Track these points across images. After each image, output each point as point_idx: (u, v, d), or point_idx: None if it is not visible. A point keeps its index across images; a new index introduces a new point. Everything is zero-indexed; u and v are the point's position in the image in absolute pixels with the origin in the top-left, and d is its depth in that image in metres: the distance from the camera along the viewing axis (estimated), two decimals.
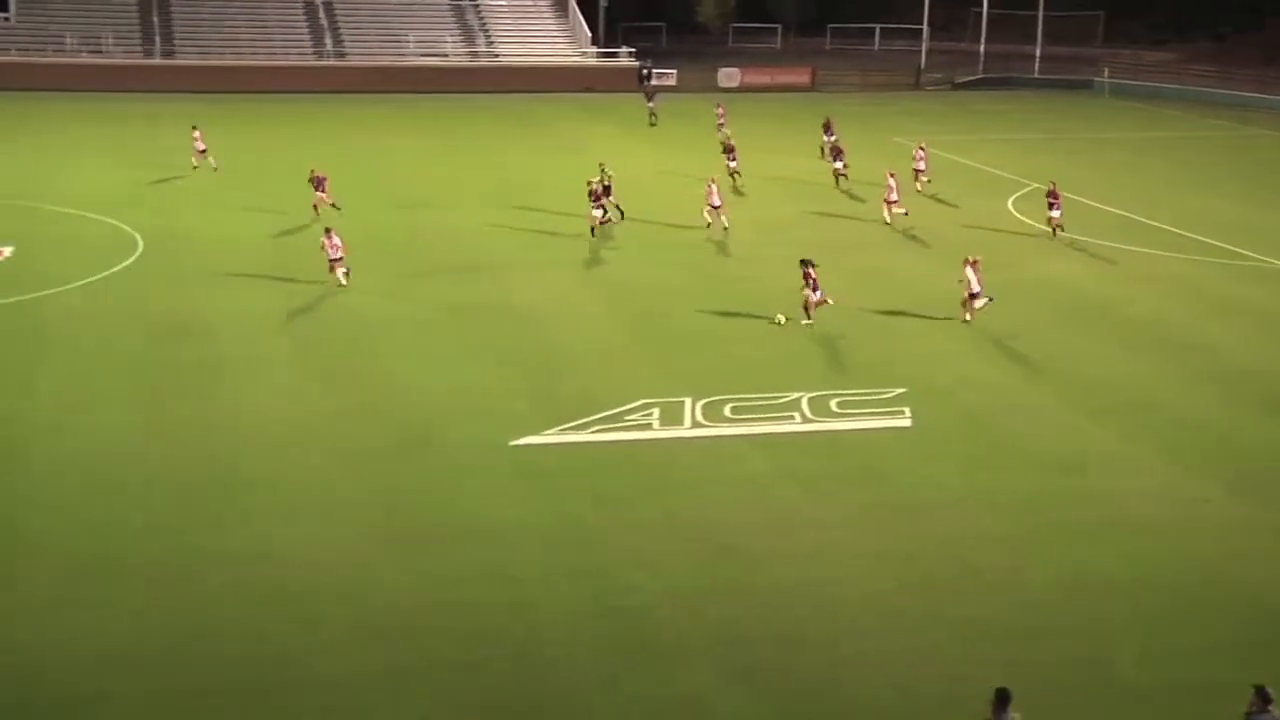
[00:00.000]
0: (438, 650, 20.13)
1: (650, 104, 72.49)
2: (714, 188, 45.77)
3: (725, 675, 19.59)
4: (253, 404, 29.59)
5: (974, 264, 36.01)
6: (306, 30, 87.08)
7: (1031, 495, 25.76)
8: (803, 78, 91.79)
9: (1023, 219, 49.63)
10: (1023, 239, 46.37)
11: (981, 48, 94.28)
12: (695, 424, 28.89)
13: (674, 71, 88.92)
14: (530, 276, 40.08)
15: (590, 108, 77.57)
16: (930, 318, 36.64)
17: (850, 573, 22.64)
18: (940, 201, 51.80)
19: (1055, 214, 45.58)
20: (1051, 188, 46.49)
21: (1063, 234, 45.74)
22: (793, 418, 29.31)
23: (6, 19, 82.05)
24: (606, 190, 45.63)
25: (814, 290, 34.91)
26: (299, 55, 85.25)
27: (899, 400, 30.22)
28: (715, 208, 45.29)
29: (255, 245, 43.24)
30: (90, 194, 49.67)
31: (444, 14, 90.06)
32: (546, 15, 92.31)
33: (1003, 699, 16.06)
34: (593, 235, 44.46)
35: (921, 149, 53.77)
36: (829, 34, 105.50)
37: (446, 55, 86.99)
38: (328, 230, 38.99)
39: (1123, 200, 53.64)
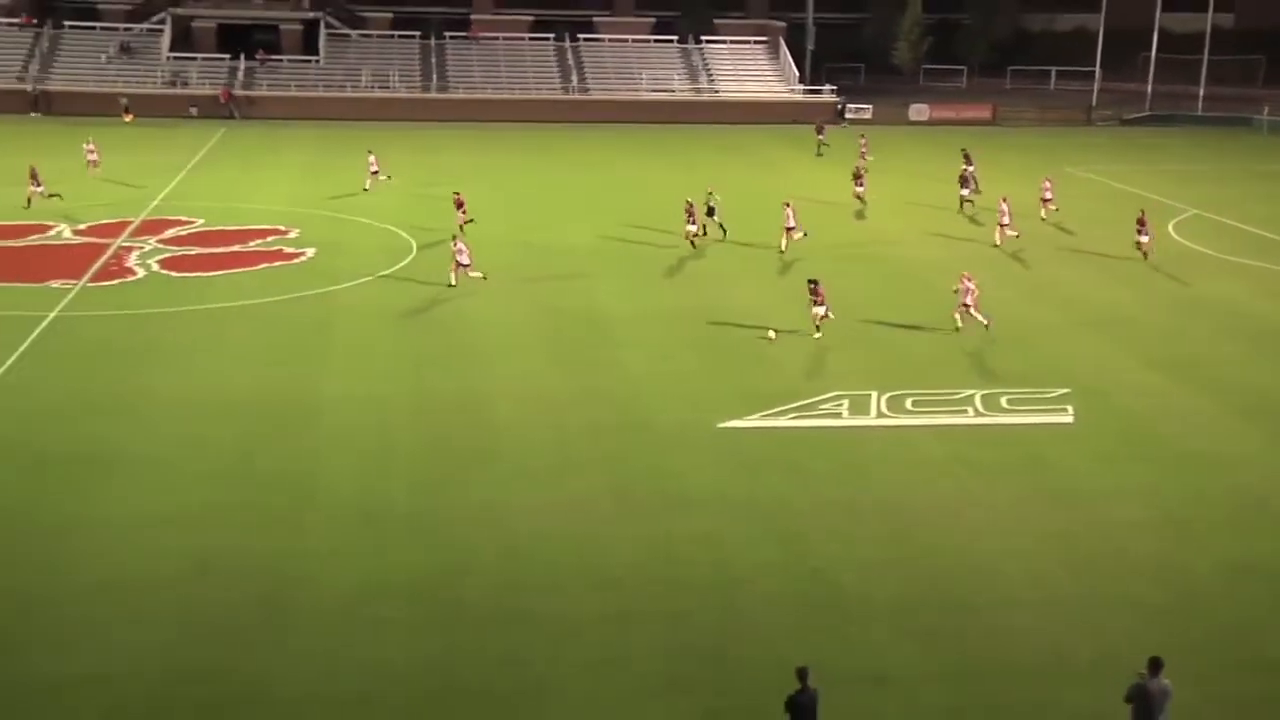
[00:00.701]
0: (651, 600, 20.29)
1: (820, 136, 71.15)
2: (790, 212, 43.81)
3: (900, 633, 19.35)
4: (503, 384, 30.15)
5: (968, 278, 34.47)
6: (556, 69, 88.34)
7: (1185, 489, 24.79)
8: (984, 113, 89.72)
9: (1182, 241, 47.69)
10: (1181, 259, 44.52)
11: (1149, 88, 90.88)
12: (880, 414, 28.50)
13: (870, 106, 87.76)
14: (737, 283, 39.97)
15: (792, 138, 76.92)
16: (1095, 326, 35.56)
17: (1014, 550, 22.12)
18: (1102, 224, 50.06)
19: (1144, 239, 43.21)
20: (1141, 215, 44.13)
21: (1153, 257, 43.36)
22: (966, 411, 28.72)
23: (317, 61, 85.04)
24: (710, 211, 45.14)
25: (820, 305, 33.42)
26: (549, 90, 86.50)
27: (1063, 399, 29.37)
28: (789, 229, 43.49)
29: (511, 249, 43.98)
30: (376, 206, 51.16)
31: (673, 56, 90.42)
32: (761, 57, 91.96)
33: (1155, 665, 15.53)
34: (692, 247, 44.00)
35: (1048, 181, 51.53)
36: (1009, 75, 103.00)
37: (673, 90, 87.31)
38: (454, 238, 39.35)
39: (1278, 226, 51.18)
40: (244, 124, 76.97)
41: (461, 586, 20.59)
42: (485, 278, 38.30)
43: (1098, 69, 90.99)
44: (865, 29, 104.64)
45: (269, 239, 45.06)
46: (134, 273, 39.98)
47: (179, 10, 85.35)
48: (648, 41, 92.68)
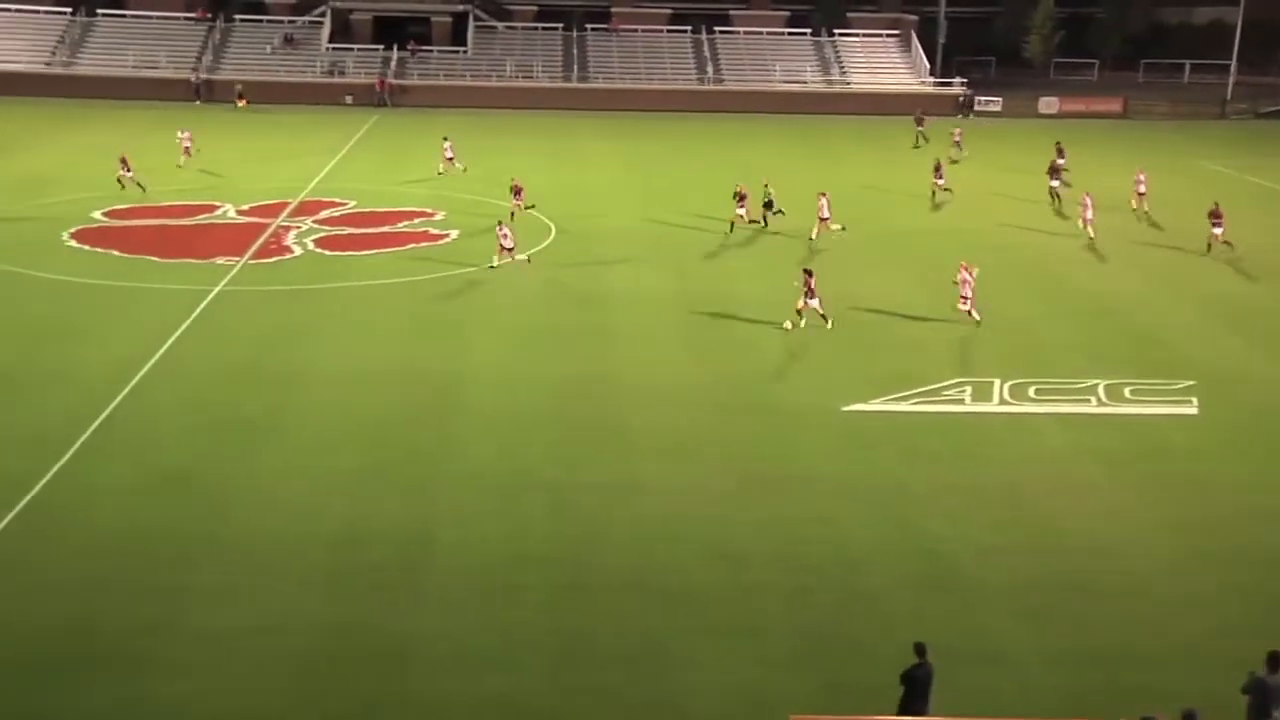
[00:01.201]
0: (774, 576, 20.33)
1: (920, 128, 69.61)
2: (824, 201, 42.69)
3: (1017, 615, 19.15)
4: (636, 365, 30.34)
5: (969, 269, 33.31)
6: (692, 61, 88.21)
7: None
8: (1115, 106, 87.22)
9: None
10: None
11: None
12: (1002, 401, 28.09)
13: (999, 99, 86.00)
14: (871, 269, 39.62)
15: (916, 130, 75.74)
16: (1221, 318, 34.55)
17: (1135, 537, 21.70)
18: (1233, 220, 48.46)
19: (1218, 231, 41.86)
20: (1214, 207, 42.50)
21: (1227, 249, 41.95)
22: (1089, 401, 28.15)
23: (464, 52, 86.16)
24: (768, 204, 44.56)
25: (811, 297, 32.48)
26: (685, 81, 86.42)
27: (1188, 391, 28.62)
28: (823, 219, 42.48)
29: (644, 234, 44.18)
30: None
31: (806, 48, 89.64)
32: (893, 49, 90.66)
33: (1275, 660, 15.06)
34: (729, 232, 43.73)
35: (1142, 174, 49.63)
36: (1142, 68, 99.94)
37: (805, 82, 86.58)
38: (500, 223, 39.25)
39: None
40: (395, 111, 78.34)
41: (593, 557, 20.88)
42: (529, 260, 38.82)
43: (1234, 62, 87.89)
44: (996, 22, 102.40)
45: (415, 220, 45.89)
46: (291, 251, 41.06)
47: (339, 4, 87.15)
48: (782, 34, 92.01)
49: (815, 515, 22.39)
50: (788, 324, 32.70)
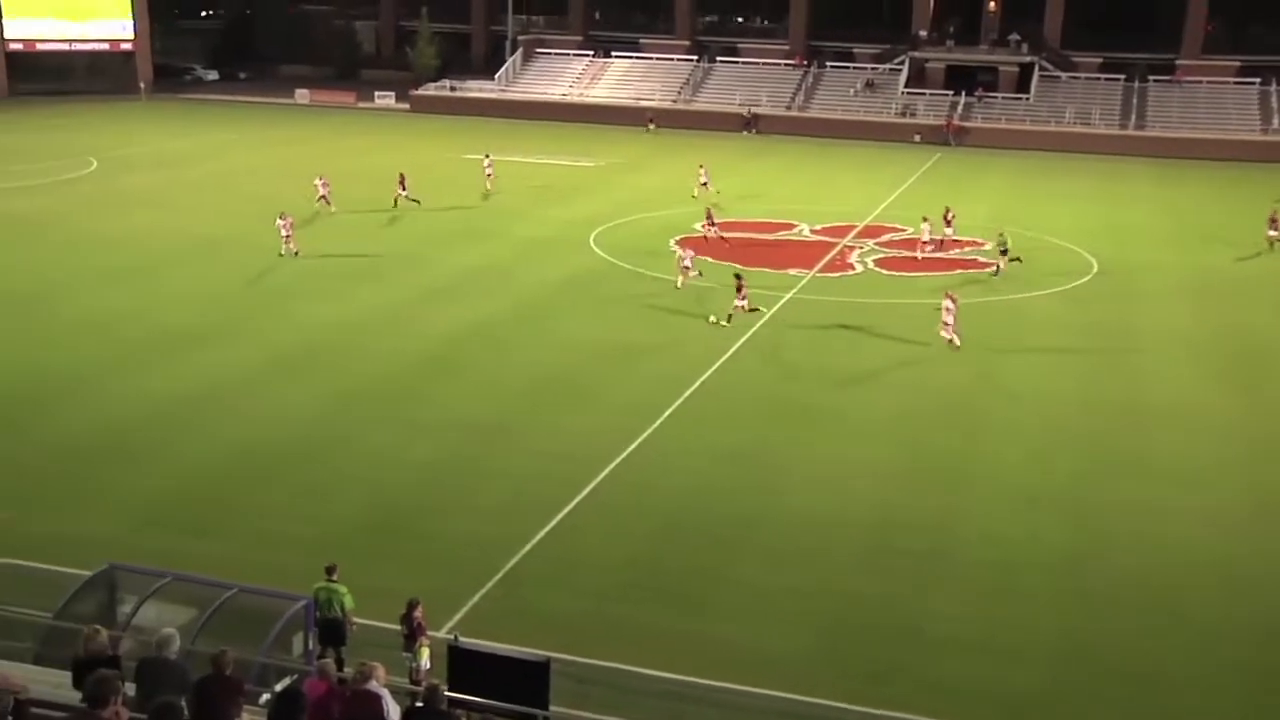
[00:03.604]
0: None
1: None
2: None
3: None
4: (1166, 394, 28.33)
5: (952, 297, 31.64)
6: (1257, 111, 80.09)
7: None
8: None
9: None
10: None
11: None
12: None
13: None
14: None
15: None
16: None
17: None
18: None
19: (1273, 233, 38.08)
20: (1273, 213, 37.17)
21: None
22: None
23: (1027, 99, 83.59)
24: (1003, 250, 40.05)
25: (741, 299, 32.77)
26: (1246, 131, 78.56)
27: None
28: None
29: (1181, 274, 40.89)
30: (1066, 227, 49.48)
31: None
32: None
33: None
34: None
35: None
36: None
37: None
38: (680, 243, 38.00)
39: None
40: (957, 150, 77.38)
41: (1100, 570, 19.81)
42: (701, 274, 36.99)
43: None
44: None
45: (966, 249, 45.19)
46: (854, 268, 41.82)
47: (917, 53, 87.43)
48: None
49: None
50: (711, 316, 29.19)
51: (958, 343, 31.41)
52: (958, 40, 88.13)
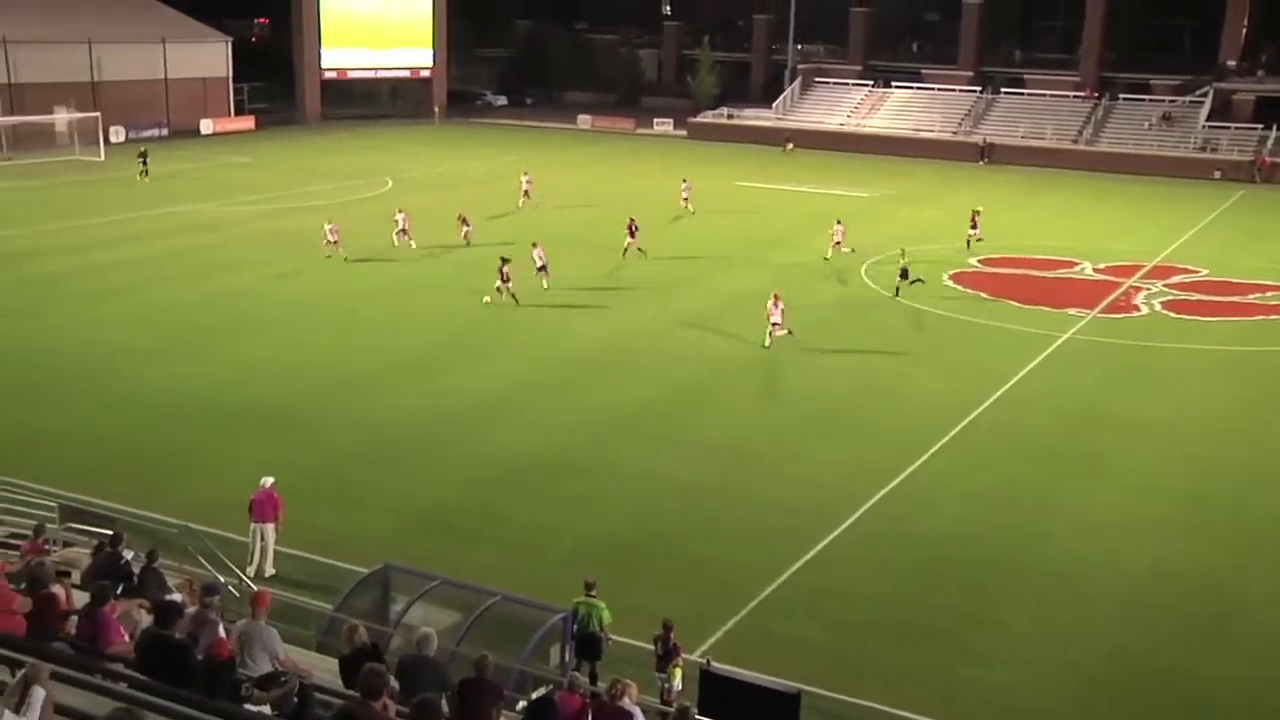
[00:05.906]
0: None
1: None
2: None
3: None
4: None
5: (776, 299, 32.34)
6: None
7: None
8: None
9: None
10: None
11: None
12: None
13: None
14: None
15: None
16: None
17: None
18: None
19: None
20: None
21: None
22: None
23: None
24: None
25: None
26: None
27: None
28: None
29: None
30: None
31: None
32: None
33: None
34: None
35: None
36: None
37: None
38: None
39: None
40: (1264, 188, 72.10)
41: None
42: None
43: None
44: None
45: (1267, 294, 42.08)
46: (1138, 309, 39.66)
47: (1223, 84, 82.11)
48: None
49: None
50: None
51: (786, 332, 32.30)
52: (1269, 70, 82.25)
